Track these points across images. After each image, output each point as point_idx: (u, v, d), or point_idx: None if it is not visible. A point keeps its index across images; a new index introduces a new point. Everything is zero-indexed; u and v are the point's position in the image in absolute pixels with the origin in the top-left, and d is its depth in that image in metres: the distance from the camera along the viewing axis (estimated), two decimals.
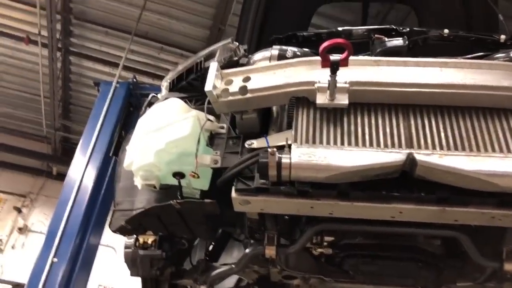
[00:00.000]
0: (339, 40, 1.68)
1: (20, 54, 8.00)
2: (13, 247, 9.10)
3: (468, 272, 2.22)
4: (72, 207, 5.14)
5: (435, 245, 2.22)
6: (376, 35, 2.20)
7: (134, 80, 6.09)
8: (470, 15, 3.24)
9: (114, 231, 2.11)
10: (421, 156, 1.70)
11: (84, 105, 8.70)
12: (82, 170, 5.42)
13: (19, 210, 9.44)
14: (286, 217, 2.20)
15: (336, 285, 2.38)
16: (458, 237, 2.03)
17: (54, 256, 4.73)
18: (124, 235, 2.26)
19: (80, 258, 5.05)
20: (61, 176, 7.88)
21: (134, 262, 2.31)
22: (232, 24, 6.41)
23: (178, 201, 1.91)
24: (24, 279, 5.00)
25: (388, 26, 2.26)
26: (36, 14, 6.80)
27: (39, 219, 9.28)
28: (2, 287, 7.86)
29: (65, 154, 9.24)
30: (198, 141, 1.94)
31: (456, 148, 1.74)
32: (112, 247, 8.26)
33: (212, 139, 2.06)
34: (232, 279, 2.82)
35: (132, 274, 2.38)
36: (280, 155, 1.75)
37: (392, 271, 2.22)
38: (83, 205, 5.18)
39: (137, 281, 3.78)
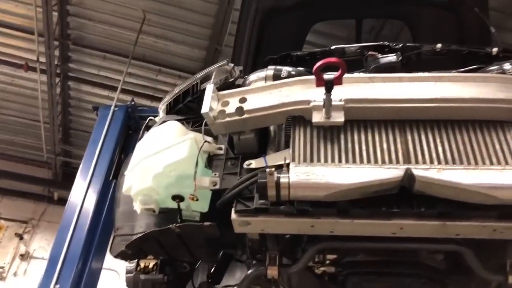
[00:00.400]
0: (332, 59, 1.70)
1: (19, 81, 8.07)
2: (15, 275, 9.02)
3: (472, 286, 2.19)
4: (73, 232, 5.11)
5: (438, 260, 2.20)
6: (369, 52, 2.22)
7: (132, 103, 6.13)
8: (462, 29, 3.27)
9: (115, 256, 2.10)
10: (419, 171, 1.70)
11: (84, 129, 8.73)
12: (82, 195, 5.40)
13: (20, 237, 9.38)
14: (288, 236, 2.20)
15: None
16: (461, 251, 2.01)
17: (56, 283, 4.68)
18: (126, 260, 2.24)
19: (83, 284, 5.00)
20: (63, 201, 7.86)
21: (135, 287, 2.29)
22: (229, 44, 6.47)
23: (177, 224, 1.91)
24: None
25: (381, 43, 2.29)
26: (34, 41, 6.89)
27: (41, 245, 9.21)
28: None
29: (66, 179, 9.23)
30: (196, 163, 1.94)
31: (454, 162, 1.74)
32: (115, 271, 8.19)
33: (211, 160, 2.07)
34: None
35: None
36: (279, 175, 1.75)
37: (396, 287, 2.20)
38: (85, 229, 5.15)
39: None
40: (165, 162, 1.98)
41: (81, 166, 5.67)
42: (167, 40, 7.10)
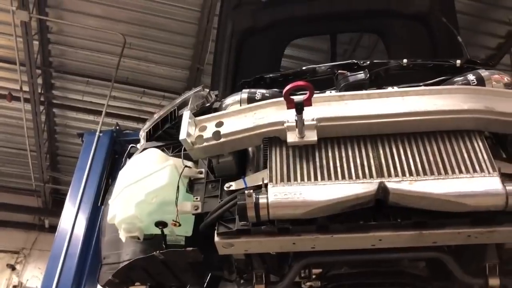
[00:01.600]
0: (300, 83, 1.76)
1: (4, 111, 8.05)
2: None
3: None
4: (64, 260, 5.08)
5: (420, 268, 2.26)
6: (339, 71, 2.29)
7: (117, 127, 6.15)
8: (433, 39, 3.36)
9: (103, 286, 2.12)
10: (392, 184, 1.77)
11: (71, 155, 8.70)
12: (72, 222, 5.39)
13: (12, 268, 9.28)
14: (274, 253, 2.24)
15: None
16: (441, 257, 2.07)
17: None
18: (114, 287, 2.26)
19: None
20: (54, 229, 7.81)
21: None
22: (211, 62, 6.52)
23: (161, 251, 1.94)
24: None
25: (349, 61, 2.36)
26: (16, 70, 6.89)
27: (34, 275, 9.12)
28: None
29: (56, 206, 9.15)
30: (177, 189, 1.98)
31: (424, 173, 1.80)
32: None
33: (192, 185, 2.11)
34: None
35: None
36: (257, 196, 1.80)
37: None
38: (75, 257, 5.12)
39: None
40: (146, 189, 2.02)
41: (69, 193, 5.66)
42: (149, 62, 7.15)
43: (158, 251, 1.94)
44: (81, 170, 5.65)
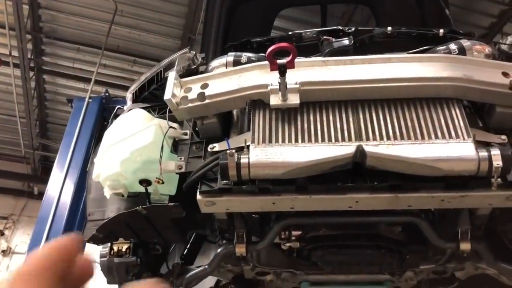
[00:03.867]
0: (283, 44, 1.78)
1: None
2: None
3: (429, 255, 2.33)
4: (51, 223, 5.15)
5: (396, 232, 2.34)
6: (324, 37, 2.31)
7: (107, 94, 6.14)
8: (423, 14, 3.38)
9: (88, 241, 2.17)
10: (369, 147, 1.81)
11: (61, 122, 8.69)
12: (59, 187, 5.43)
13: (1, 233, 9.36)
14: (255, 216, 2.30)
15: (307, 278, 2.47)
16: (416, 222, 2.14)
17: None
18: (98, 244, 2.32)
19: None
20: (43, 196, 7.86)
21: (110, 270, 2.37)
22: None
23: (143, 206, 1.99)
24: None
25: (335, 28, 2.38)
26: (5, 35, 6.81)
27: (23, 240, 9.19)
28: None
29: (46, 173, 9.15)
30: (162, 148, 2.02)
31: (402, 138, 1.85)
32: (95, 262, 8.23)
33: (176, 145, 2.15)
34: (212, 281, 2.90)
35: (109, 282, 2.44)
36: (239, 156, 1.85)
37: (357, 259, 2.33)
38: (63, 221, 5.19)
39: None
40: (131, 148, 2.05)
41: (57, 158, 5.69)
42: (141, 31, 7.10)
43: (141, 206, 1.99)
44: (70, 135, 5.66)
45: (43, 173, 9.52)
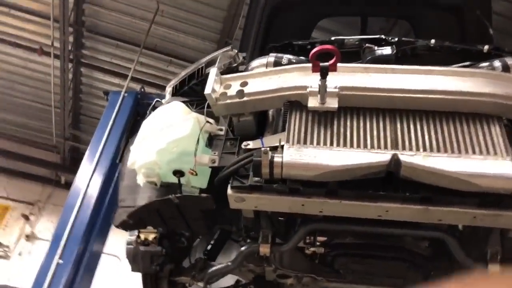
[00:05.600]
0: (327, 46, 1.81)
1: (33, 65, 8.23)
2: (20, 254, 9.21)
3: (454, 273, 2.29)
4: (77, 213, 5.25)
5: (422, 247, 2.31)
6: (366, 45, 2.32)
7: (142, 90, 6.26)
8: (464, 31, 3.35)
9: (117, 226, 2.22)
10: (405, 157, 1.81)
11: (94, 115, 8.88)
12: (88, 178, 5.55)
13: (26, 218, 9.57)
14: (282, 219, 2.31)
15: (328, 285, 2.46)
16: (444, 238, 2.11)
17: (59, 258, 4.83)
18: (126, 230, 2.36)
19: (84, 262, 5.14)
20: (69, 186, 8.03)
21: (135, 258, 2.42)
22: (239, 38, 6.56)
23: (176, 195, 2.03)
24: (30, 286, 5.09)
25: (378, 36, 2.39)
26: (49, 26, 7.03)
27: (46, 227, 9.38)
28: None
29: (74, 164, 9.37)
30: (197, 141, 2.06)
31: (438, 150, 1.84)
32: (116, 256, 8.34)
33: (211, 140, 2.19)
34: (231, 280, 2.92)
35: (133, 270, 2.49)
36: (273, 154, 1.87)
37: (381, 271, 2.31)
38: (88, 211, 5.29)
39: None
40: (168, 138, 2.10)
41: (88, 149, 5.82)
42: (179, 32, 7.22)
43: (174, 195, 2.03)
44: (103, 128, 5.79)
45: (71, 164, 9.72)
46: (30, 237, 9.36)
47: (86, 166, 5.75)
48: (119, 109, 5.81)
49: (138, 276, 2.82)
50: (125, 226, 2.22)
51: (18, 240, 9.38)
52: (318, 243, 2.34)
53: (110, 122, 5.74)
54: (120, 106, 5.84)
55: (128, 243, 2.43)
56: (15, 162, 9.87)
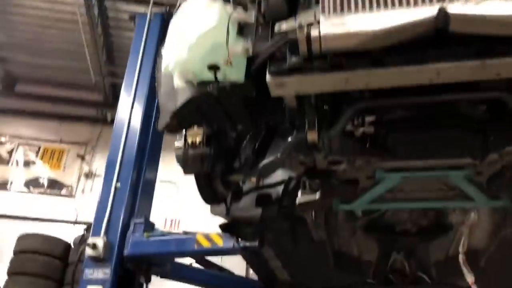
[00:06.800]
0: None
1: (58, 6, 8.17)
2: (83, 192, 9.77)
3: None
4: (125, 141, 5.38)
5: (480, 111, 2.17)
6: None
7: (167, 10, 6.08)
8: None
9: (162, 130, 2.22)
10: (453, 7, 1.64)
11: (126, 48, 8.82)
12: (129, 107, 5.61)
13: (82, 158, 10.02)
14: (326, 107, 2.21)
15: (382, 165, 2.40)
16: (503, 97, 1.98)
17: (117, 181, 5.04)
18: (172, 132, 2.35)
19: (141, 186, 5.34)
20: None
21: (185, 162, 2.44)
22: None
23: (213, 87, 1.97)
24: None
25: None
26: None
27: (102, 164, 9.77)
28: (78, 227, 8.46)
29: (117, 100, 9.55)
30: (228, 31, 1.96)
31: None
32: (173, 183, 8.68)
33: (242, 29, 2.07)
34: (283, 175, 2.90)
35: (185, 172, 2.53)
36: (309, 29, 1.75)
37: (436, 141, 2.21)
38: (135, 138, 5.41)
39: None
40: (197, 33, 2.01)
41: (124, 79, 5.82)
42: None
43: (211, 85, 1.98)
44: (135, 54, 5.74)
45: (114, 100, 9.88)
46: (89, 175, 9.84)
47: (125, 97, 5.80)
48: (147, 32, 5.70)
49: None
50: (170, 128, 2.21)
51: (78, 179, 9.91)
52: (367, 123, 2.25)
53: (141, 48, 5.68)
54: (148, 29, 5.73)
55: (177, 148, 2.44)
56: (61, 106, 10.16)
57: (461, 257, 2.95)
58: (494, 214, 2.78)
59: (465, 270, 2.83)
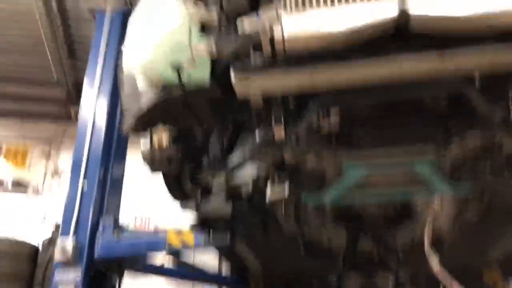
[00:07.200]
0: None
1: None
2: (49, 190, 9.55)
3: (477, 121, 2.21)
4: (90, 140, 5.26)
5: (442, 105, 2.22)
6: None
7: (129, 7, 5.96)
8: None
9: (126, 133, 2.18)
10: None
11: (87, 41, 8.58)
12: (93, 105, 5.49)
13: (47, 155, 9.77)
14: (291, 108, 2.21)
15: (348, 156, 2.42)
16: (463, 90, 2.03)
17: (84, 179, 4.93)
18: (137, 132, 2.31)
19: (109, 183, 5.25)
20: None
21: (153, 162, 2.41)
22: None
23: (179, 90, 1.95)
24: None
25: None
26: None
27: (68, 161, 9.57)
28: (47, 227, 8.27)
29: (80, 96, 9.32)
30: (190, 31, 1.94)
31: None
32: (141, 180, 8.55)
33: (204, 28, 2.05)
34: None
35: (152, 172, 2.50)
36: (272, 30, 1.76)
37: (400, 133, 2.25)
38: (101, 136, 5.30)
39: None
40: (160, 32, 1.97)
41: (86, 74, 5.68)
42: None
43: (175, 88, 1.95)
44: (96, 49, 5.60)
45: (77, 96, 9.62)
46: (55, 173, 9.62)
47: (88, 94, 5.66)
48: (109, 29, 5.56)
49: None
50: (134, 130, 2.17)
51: (44, 178, 9.67)
52: (332, 121, 2.27)
53: (102, 44, 5.54)
54: (110, 26, 5.58)
55: (143, 149, 2.40)
56: (23, 103, 9.82)
57: (426, 241, 3.04)
58: (456, 200, 2.85)
59: (430, 253, 2.91)
